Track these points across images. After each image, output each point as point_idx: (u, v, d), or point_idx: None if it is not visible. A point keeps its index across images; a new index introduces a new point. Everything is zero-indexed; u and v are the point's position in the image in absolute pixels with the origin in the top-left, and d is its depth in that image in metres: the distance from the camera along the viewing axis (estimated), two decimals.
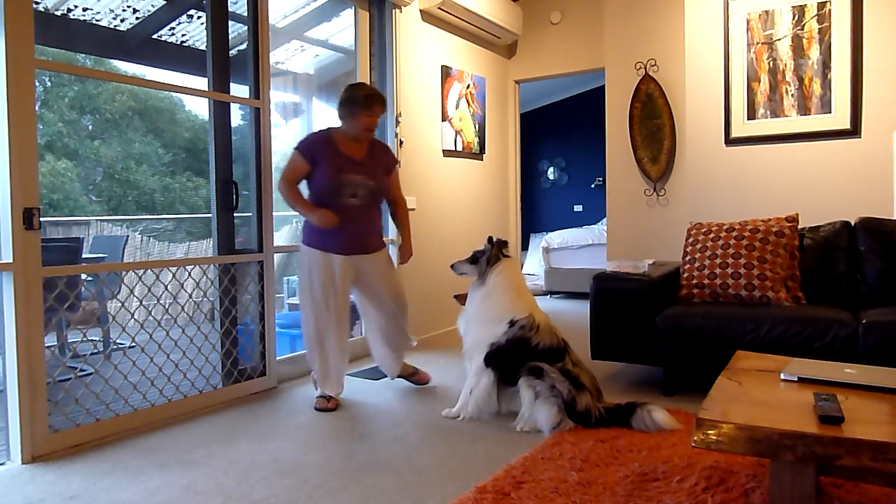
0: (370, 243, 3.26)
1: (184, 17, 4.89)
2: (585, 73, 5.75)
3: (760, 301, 3.23)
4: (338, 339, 3.18)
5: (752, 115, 4.10)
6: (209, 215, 3.42)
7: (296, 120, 6.28)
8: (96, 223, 7.10)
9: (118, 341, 3.93)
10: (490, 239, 3.06)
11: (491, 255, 2.99)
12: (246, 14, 3.48)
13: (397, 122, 4.50)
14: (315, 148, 3.13)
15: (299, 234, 3.33)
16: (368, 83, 3.22)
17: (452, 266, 3.13)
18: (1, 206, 2.46)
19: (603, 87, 5.16)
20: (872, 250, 3.34)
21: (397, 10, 4.51)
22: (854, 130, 3.84)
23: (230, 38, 3.39)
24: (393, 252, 3.66)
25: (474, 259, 3.05)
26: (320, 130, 3.22)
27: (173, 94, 10.38)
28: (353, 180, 3.11)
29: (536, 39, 5.81)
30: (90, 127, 10.52)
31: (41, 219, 2.54)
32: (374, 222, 3.30)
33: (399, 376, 3.52)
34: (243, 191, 3.43)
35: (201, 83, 3.47)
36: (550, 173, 9.48)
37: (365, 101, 3.09)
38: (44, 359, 2.55)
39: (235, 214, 3.40)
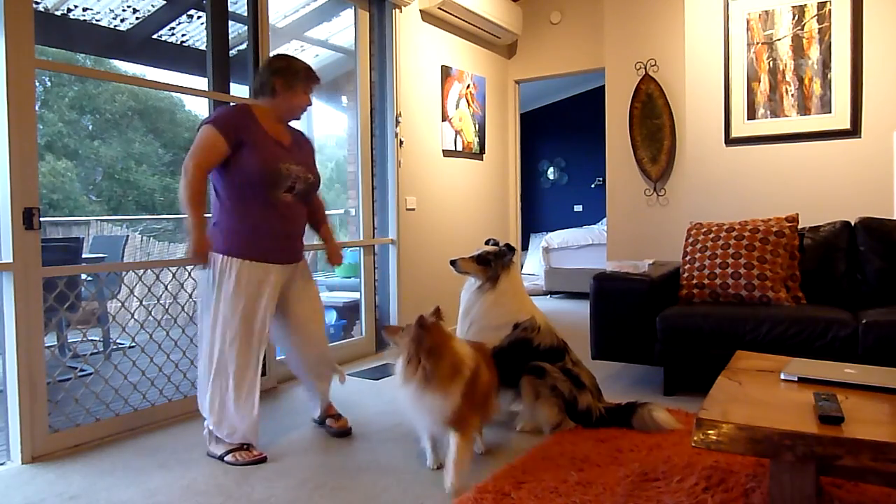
0: (300, 249, 2.70)
1: (184, 17, 4.89)
2: (585, 73, 5.75)
3: (760, 301, 3.23)
4: (255, 372, 2.53)
5: (752, 115, 4.10)
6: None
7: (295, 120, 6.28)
8: (96, 223, 7.11)
9: (118, 341, 3.93)
10: (497, 243, 2.98)
11: (504, 260, 2.91)
12: (246, 14, 3.48)
13: (397, 122, 4.50)
14: (239, 125, 2.47)
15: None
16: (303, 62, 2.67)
17: (454, 262, 2.86)
18: (1, 206, 2.46)
19: (603, 87, 5.15)
20: (872, 250, 3.34)
21: (397, 10, 4.51)
22: (854, 130, 3.84)
23: (230, 38, 3.39)
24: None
25: (484, 261, 2.89)
26: (237, 105, 2.66)
27: (173, 94, 10.38)
28: (291, 171, 2.52)
29: (536, 39, 5.81)
30: (90, 127, 10.52)
31: (41, 219, 2.54)
32: (304, 224, 2.73)
33: (319, 418, 2.87)
34: None
35: (201, 83, 3.47)
36: (550, 173, 9.47)
37: (306, 73, 2.58)
38: (44, 359, 2.55)
39: None
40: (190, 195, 2.40)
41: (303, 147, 2.70)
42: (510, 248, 2.96)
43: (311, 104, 2.65)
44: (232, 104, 2.71)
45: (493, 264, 2.91)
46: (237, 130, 2.46)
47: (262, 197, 2.49)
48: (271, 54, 2.66)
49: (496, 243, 2.99)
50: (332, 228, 2.91)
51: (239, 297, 2.45)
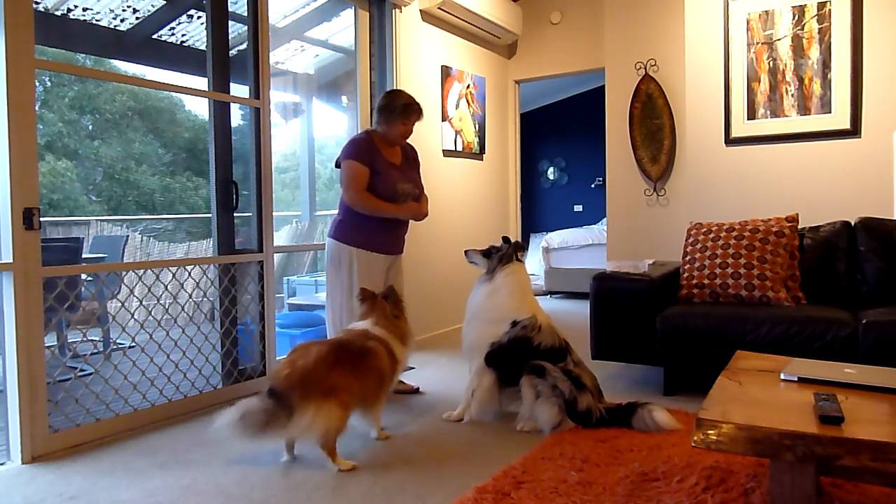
0: (402, 244, 3.40)
1: (184, 17, 4.89)
2: (585, 73, 5.75)
3: (760, 301, 3.23)
4: None
5: (752, 115, 4.10)
6: (209, 215, 3.42)
7: (296, 120, 6.29)
8: (96, 223, 7.10)
9: (118, 341, 3.93)
10: (507, 239, 3.08)
11: (505, 255, 2.99)
12: (246, 14, 3.48)
13: None
14: (369, 154, 3.17)
15: (301, 234, 3.34)
16: (404, 91, 3.37)
17: (466, 252, 3.12)
18: (1, 206, 2.46)
19: (603, 87, 5.16)
20: (872, 250, 3.33)
21: (397, 10, 4.51)
22: (854, 130, 3.84)
23: (230, 38, 3.39)
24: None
25: (488, 253, 3.05)
26: (362, 135, 3.27)
27: (173, 94, 10.38)
28: (404, 189, 3.23)
29: (536, 39, 5.81)
30: (90, 127, 10.51)
31: (41, 219, 2.54)
32: (407, 226, 3.39)
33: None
34: (243, 191, 3.43)
35: (201, 83, 3.47)
36: (550, 173, 9.48)
37: (403, 109, 3.20)
38: (44, 359, 2.55)
39: (235, 214, 3.40)
40: (369, 204, 3.13)
41: (410, 162, 3.40)
42: (506, 241, 3.05)
43: (410, 133, 3.28)
44: (357, 133, 3.33)
45: (493, 257, 3.01)
46: (370, 158, 3.15)
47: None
48: (390, 90, 3.43)
49: (507, 240, 3.07)
50: (425, 200, 3.43)
51: (353, 274, 3.17)
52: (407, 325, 2.82)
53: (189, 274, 3.27)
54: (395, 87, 4.47)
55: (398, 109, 3.19)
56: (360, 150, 3.16)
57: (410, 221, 3.35)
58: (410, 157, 3.43)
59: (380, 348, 2.59)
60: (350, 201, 3.14)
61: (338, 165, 3.24)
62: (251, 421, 2.22)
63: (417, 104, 3.27)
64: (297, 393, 2.26)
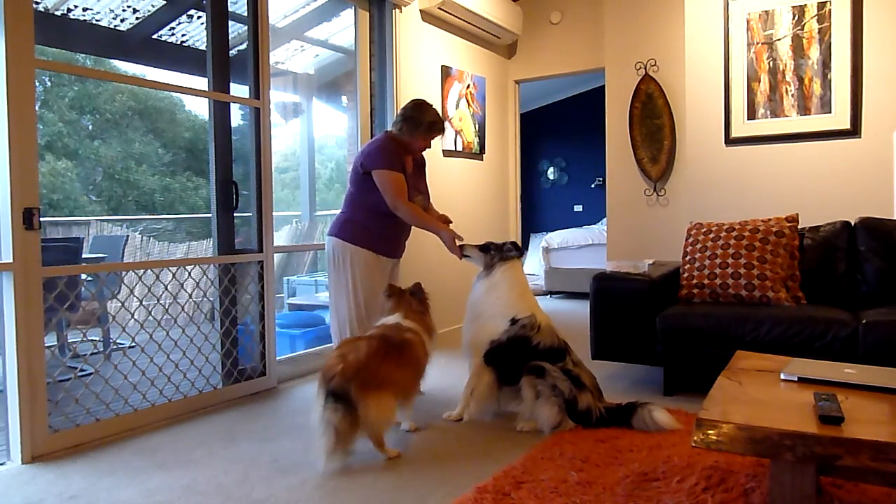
0: (403, 249, 3.41)
1: (184, 17, 4.89)
2: (585, 73, 5.75)
3: (760, 301, 3.23)
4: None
5: (752, 115, 4.10)
6: (209, 215, 3.42)
7: (296, 120, 6.29)
8: (96, 223, 7.10)
9: (118, 341, 3.93)
10: (514, 244, 3.09)
11: (504, 252, 3.00)
12: (246, 14, 3.48)
13: None
14: (400, 162, 3.15)
15: (301, 234, 3.33)
16: (431, 105, 3.28)
17: (461, 246, 3.11)
18: (1, 206, 2.46)
19: (603, 87, 5.16)
20: (872, 250, 3.34)
21: (397, 10, 4.51)
22: (854, 130, 3.84)
23: (230, 38, 3.39)
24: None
25: (486, 248, 3.05)
26: (387, 142, 3.17)
27: (173, 94, 10.38)
28: (415, 201, 3.20)
29: (536, 39, 5.81)
30: (90, 127, 10.52)
31: (41, 219, 2.54)
32: (409, 231, 3.39)
33: None
34: (243, 191, 3.43)
35: (201, 83, 3.47)
36: (550, 173, 9.47)
37: (428, 127, 3.20)
38: (44, 359, 2.55)
39: (235, 214, 3.40)
40: (415, 216, 3.13)
41: (419, 169, 3.40)
42: (514, 245, 3.06)
43: (429, 147, 3.33)
44: (380, 137, 3.21)
45: (492, 253, 3.03)
46: (403, 165, 3.17)
47: (391, 216, 3.14)
48: (414, 99, 3.32)
49: (515, 245, 3.09)
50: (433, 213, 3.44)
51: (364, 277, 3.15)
52: (432, 321, 2.89)
53: (189, 274, 3.27)
54: (395, 87, 4.48)
55: (423, 125, 3.18)
56: (394, 159, 3.12)
57: (413, 227, 3.31)
58: (419, 163, 3.41)
59: (417, 339, 2.68)
60: (398, 210, 3.09)
61: (365, 171, 3.13)
62: (344, 433, 2.27)
63: (442, 122, 3.28)
64: (354, 385, 2.29)
